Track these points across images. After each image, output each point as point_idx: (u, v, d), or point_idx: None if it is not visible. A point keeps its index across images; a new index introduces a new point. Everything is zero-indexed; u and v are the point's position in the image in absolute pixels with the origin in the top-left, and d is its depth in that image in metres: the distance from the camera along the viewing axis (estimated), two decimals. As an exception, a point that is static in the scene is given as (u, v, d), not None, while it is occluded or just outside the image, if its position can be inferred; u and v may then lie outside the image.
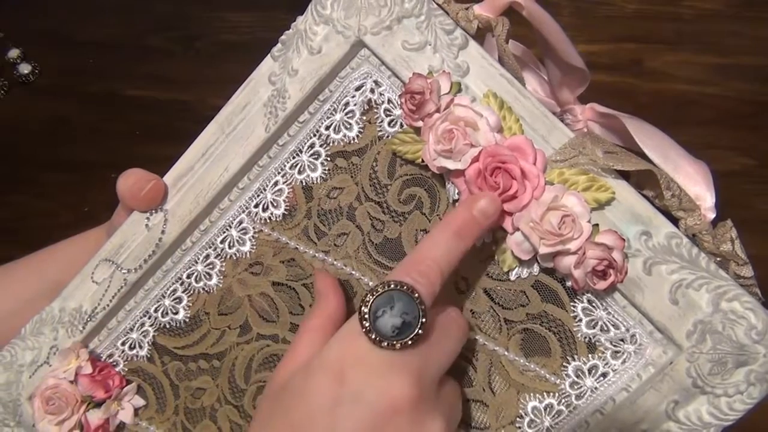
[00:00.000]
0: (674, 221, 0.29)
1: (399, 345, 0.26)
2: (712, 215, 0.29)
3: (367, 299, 0.26)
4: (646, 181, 0.30)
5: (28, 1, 1.06)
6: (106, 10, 1.03)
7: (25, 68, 1.02)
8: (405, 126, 0.32)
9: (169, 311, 0.37)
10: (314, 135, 0.34)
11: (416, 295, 0.26)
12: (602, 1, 0.81)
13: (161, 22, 0.99)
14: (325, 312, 0.31)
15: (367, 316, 0.26)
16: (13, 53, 1.03)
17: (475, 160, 0.29)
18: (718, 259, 0.28)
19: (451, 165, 0.29)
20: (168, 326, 0.37)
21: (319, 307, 0.31)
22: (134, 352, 0.38)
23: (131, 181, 0.35)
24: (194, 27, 0.98)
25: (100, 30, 1.02)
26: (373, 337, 0.26)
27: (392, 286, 0.26)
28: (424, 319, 0.26)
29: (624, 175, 0.29)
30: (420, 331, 0.26)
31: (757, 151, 0.72)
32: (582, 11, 0.81)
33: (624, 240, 0.28)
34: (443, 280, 0.28)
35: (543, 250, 0.28)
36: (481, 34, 0.33)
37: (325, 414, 0.25)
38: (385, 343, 0.26)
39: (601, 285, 0.28)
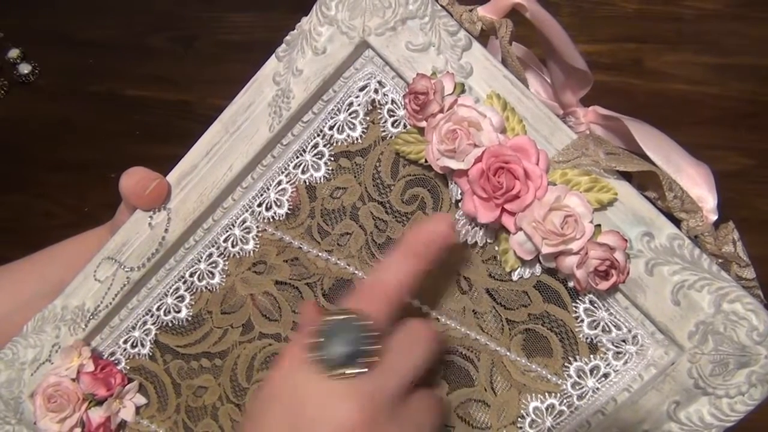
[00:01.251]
0: (676, 223, 0.29)
1: (350, 373, 0.26)
2: (714, 217, 0.29)
3: (315, 332, 0.26)
4: (648, 182, 0.30)
5: (28, 1, 1.06)
6: (106, 10, 1.03)
7: (25, 68, 1.02)
8: (408, 126, 0.33)
9: (172, 309, 0.37)
10: (318, 135, 0.34)
11: (366, 322, 0.26)
12: (602, 1, 0.82)
13: (161, 22, 1.00)
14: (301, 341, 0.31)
15: (317, 345, 0.26)
16: (13, 53, 1.03)
17: (479, 160, 0.29)
18: (720, 260, 0.29)
19: (454, 165, 0.30)
20: (170, 325, 0.37)
21: (299, 334, 0.32)
22: (136, 350, 0.38)
23: (134, 180, 0.35)
24: (194, 27, 0.98)
25: (100, 30, 1.02)
26: (323, 366, 0.26)
27: (341, 315, 0.26)
28: (375, 346, 0.26)
29: (626, 176, 0.30)
30: (371, 359, 0.26)
31: (757, 151, 0.72)
32: (582, 11, 0.81)
33: (626, 240, 0.28)
34: (396, 302, 0.28)
35: (545, 250, 0.28)
36: (484, 36, 0.33)
37: None
38: (336, 372, 0.26)
39: (604, 285, 0.28)
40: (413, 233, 0.30)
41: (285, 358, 0.29)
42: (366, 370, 0.26)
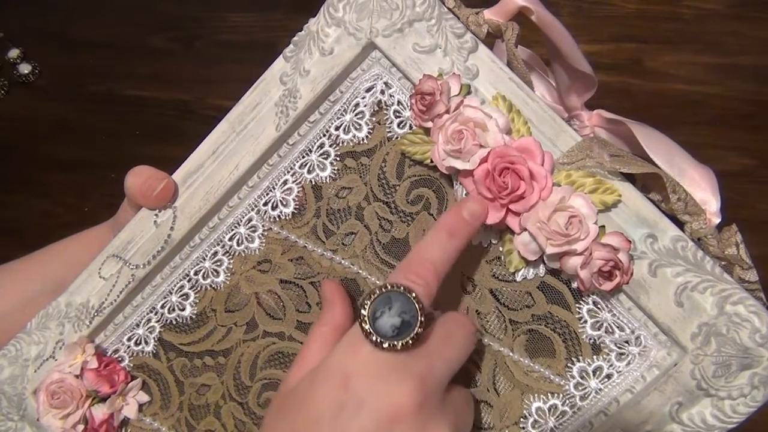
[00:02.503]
0: (680, 225, 0.29)
1: (400, 345, 0.26)
2: (717, 220, 0.30)
3: (366, 303, 0.26)
4: (652, 184, 0.30)
5: (28, 1, 1.06)
6: (106, 10, 1.03)
7: (25, 68, 1.02)
8: (414, 127, 0.33)
9: (176, 307, 0.37)
10: (324, 135, 0.35)
11: (413, 294, 0.26)
12: (602, 1, 0.81)
13: (161, 22, 0.99)
14: (332, 319, 0.31)
15: (366, 318, 0.26)
16: (13, 53, 1.03)
17: (484, 160, 0.29)
18: (723, 263, 0.29)
19: (460, 165, 0.30)
20: (174, 322, 0.38)
21: (326, 314, 0.32)
22: (140, 347, 0.38)
23: (141, 180, 0.35)
24: (194, 27, 0.98)
25: (100, 30, 1.02)
26: (374, 339, 0.26)
27: (389, 287, 0.27)
28: (422, 318, 0.26)
29: (630, 178, 0.30)
30: (419, 329, 0.26)
31: (757, 151, 0.72)
32: (582, 11, 0.81)
33: (630, 242, 0.29)
34: (440, 280, 0.28)
35: (550, 250, 0.28)
36: (491, 39, 0.33)
37: (329, 420, 0.26)
38: (386, 344, 0.26)
39: (607, 286, 0.28)
40: (454, 212, 0.30)
41: (312, 347, 0.29)
42: (413, 342, 0.26)
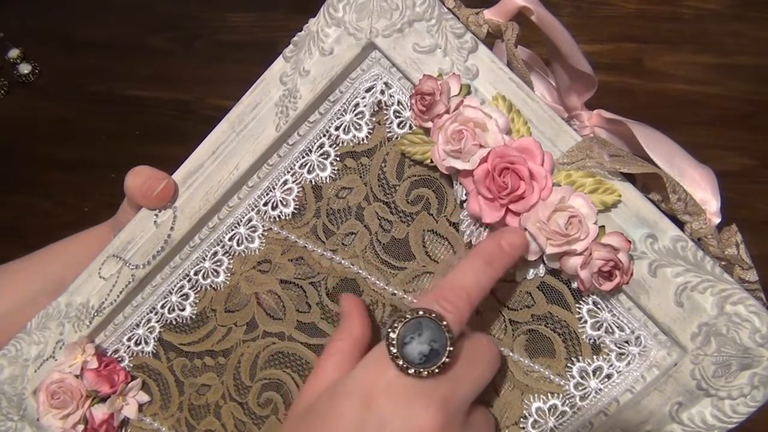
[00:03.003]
0: (680, 225, 0.29)
1: (426, 373, 0.26)
2: (717, 220, 0.30)
3: (396, 325, 0.26)
4: (652, 184, 0.30)
5: (28, 1, 1.06)
6: (106, 10, 1.03)
7: (25, 68, 1.02)
8: (414, 127, 0.33)
9: (176, 307, 0.37)
10: (324, 135, 0.35)
11: (444, 323, 0.26)
12: (602, 1, 0.81)
13: (161, 22, 1.00)
14: (351, 335, 0.31)
15: (394, 342, 0.26)
16: (13, 53, 1.03)
17: (484, 160, 0.29)
18: (723, 263, 0.29)
19: (459, 165, 0.30)
20: (174, 322, 0.38)
21: (345, 329, 0.31)
22: (140, 347, 0.38)
23: (141, 180, 0.35)
24: (194, 27, 0.98)
25: (100, 30, 1.02)
26: (401, 363, 0.26)
27: (420, 313, 0.26)
28: (451, 348, 0.26)
29: (630, 178, 0.30)
30: (447, 359, 0.26)
31: (757, 151, 0.72)
32: (582, 11, 0.81)
33: (630, 242, 0.29)
34: (472, 308, 0.28)
35: (550, 250, 0.28)
36: (491, 39, 0.33)
37: None
38: (412, 371, 0.26)
39: (607, 286, 0.28)
40: (493, 241, 0.29)
41: (326, 364, 0.29)
42: (440, 370, 0.26)
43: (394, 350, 0.26)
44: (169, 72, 0.97)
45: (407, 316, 0.26)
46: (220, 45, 0.96)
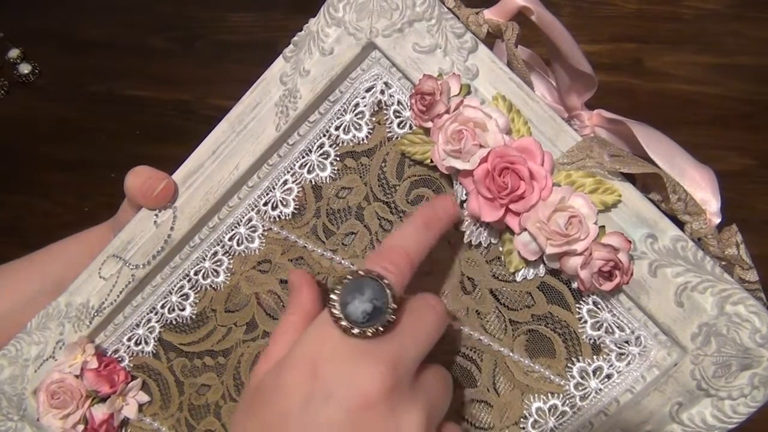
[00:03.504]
0: (680, 225, 0.29)
1: (371, 332, 0.25)
2: (717, 220, 0.30)
3: (336, 288, 0.26)
4: (652, 184, 0.30)
5: (28, 1, 1.06)
6: (106, 10, 1.03)
7: (25, 68, 1.02)
8: (414, 127, 0.33)
9: (176, 307, 0.37)
10: (324, 135, 0.35)
11: (385, 281, 0.26)
12: (602, 1, 0.81)
13: (161, 22, 1.00)
14: (302, 309, 0.30)
15: (336, 304, 0.26)
16: (13, 53, 1.03)
17: (484, 160, 0.29)
18: (723, 263, 0.29)
19: (459, 165, 0.30)
20: (174, 322, 0.38)
21: (295, 303, 0.31)
22: (140, 347, 0.38)
23: (141, 180, 0.35)
24: (194, 27, 0.98)
25: (100, 30, 1.02)
26: (344, 324, 0.25)
27: (361, 273, 0.26)
28: (394, 305, 0.26)
29: (630, 178, 0.30)
30: (392, 317, 0.26)
31: (757, 151, 0.72)
32: (582, 11, 0.81)
33: (630, 242, 0.29)
34: (413, 268, 0.28)
35: (550, 250, 0.28)
36: (491, 39, 0.33)
37: (299, 411, 0.25)
38: (356, 330, 0.25)
39: (607, 286, 0.28)
40: (431, 207, 0.31)
41: (279, 338, 0.28)
42: (385, 329, 0.26)
43: (337, 312, 0.25)
44: (169, 72, 0.97)
45: (348, 277, 0.26)
46: (220, 45, 0.96)
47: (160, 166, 0.36)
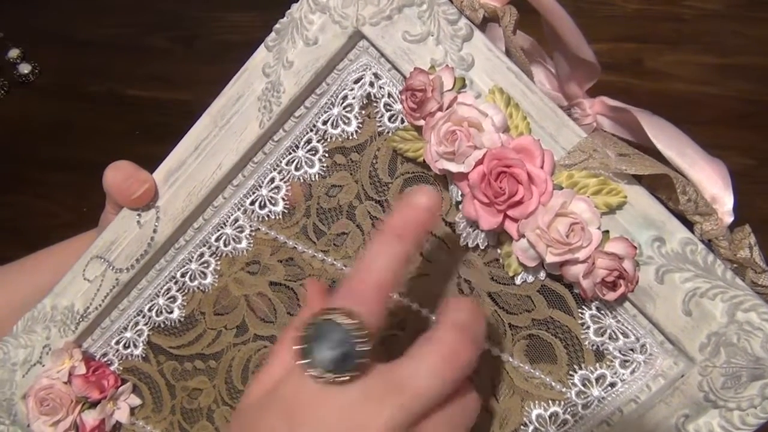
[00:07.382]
0: (688, 224, 0.27)
1: (347, 377, 0.23)
2: (729, 219, 0.27)
3: (301, 336, 0.24)
4: (659, 183, 0.28)
5: (28, 1, 1.06)
6: (105, 10, 1.03)
7: (25, 68, 1.02)
8: (406, 122, 0.31)
9: (164, 310, 0.36)
10: (311, 130, 0.33)
11: (351, 322, 0.24)
12: (602, 1, 0.81)
13: (161, 22, 0.99)
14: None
15: (301, 353, 0.24)
16: (13, 53, 1.03)
17: (479, 163, 0.27)
18: (735, 266, 0.27)
19: (453, 168, 0.28)
20: (163, 325, 0.36)
21: (301, 317, 0.29)
22: (129, 351, 0.37)
23: (121, 177, 0.33)
24: (194, 27, 0.98)
25: (100, 30, 1.02)
26: (313, 373, 0.24)
27: (325, 318, 0.24)
28: (364, 347, 0.24)
29: (636, 176, 0.28)
30: (363, 360, 0.24)
31: (757, 151, 0.72)
32: (582, 11, 0.80)
33: (635, 248, 0.27)
34: (385, 296, 0.25)
35: (550, 258, 0.27)
36: (486, 25, 0.31)
37: None
38: (327, 378, 0.23)
39: (611, 296, 0.26)
40: (398, 215, 0.26)
41: (275, 359, 0.27)
42: (357, 373, 0.24)
43: (304, 362, 0.24)
44: (169, 72, 0.97)
45: (313, 320, 0.24)
46: (220, 45, 0.96)
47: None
